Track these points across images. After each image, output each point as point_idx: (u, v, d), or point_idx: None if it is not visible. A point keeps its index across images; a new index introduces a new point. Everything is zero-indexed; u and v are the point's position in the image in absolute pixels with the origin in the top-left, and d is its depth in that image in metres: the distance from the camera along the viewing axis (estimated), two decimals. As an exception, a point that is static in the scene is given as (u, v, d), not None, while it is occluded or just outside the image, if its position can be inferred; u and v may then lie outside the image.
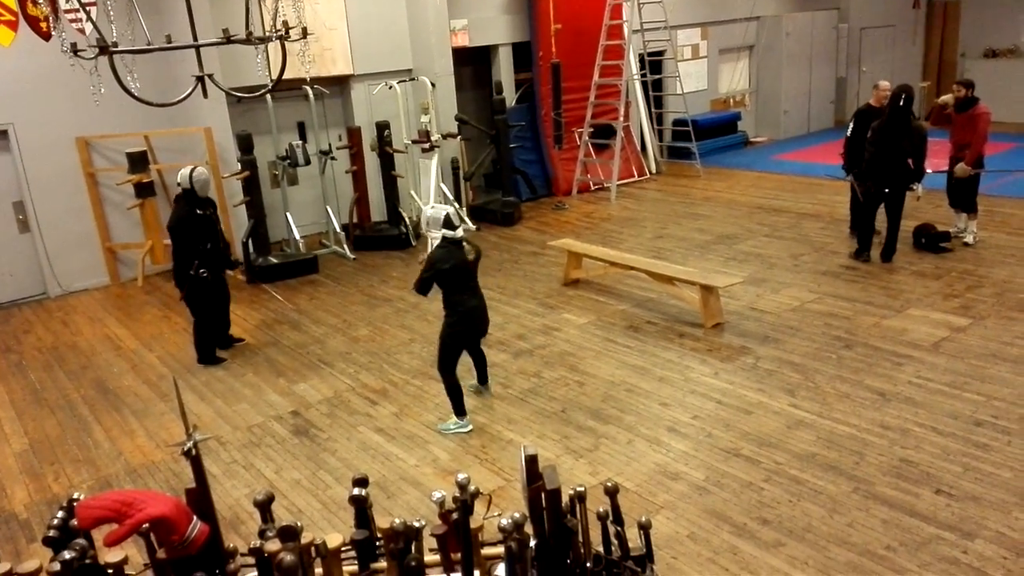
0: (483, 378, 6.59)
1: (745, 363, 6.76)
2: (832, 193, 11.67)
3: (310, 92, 10.27)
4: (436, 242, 5.91)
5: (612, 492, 2.38)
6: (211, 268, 7.29)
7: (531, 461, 2.19)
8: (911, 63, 17.69)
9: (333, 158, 10.88)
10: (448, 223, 5.82)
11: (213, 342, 7.65)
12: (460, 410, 6.06)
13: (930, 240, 9.09)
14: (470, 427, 6.04)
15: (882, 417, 5.71)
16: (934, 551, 4.30)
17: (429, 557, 2.36)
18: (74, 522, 2.29)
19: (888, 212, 8.69)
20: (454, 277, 5.86)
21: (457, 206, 11.72)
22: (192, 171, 7.24)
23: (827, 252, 9.45)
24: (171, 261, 7.53)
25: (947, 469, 5.02)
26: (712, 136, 15.80)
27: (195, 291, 7.32)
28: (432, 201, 11.54)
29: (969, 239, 9.26)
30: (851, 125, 9.38)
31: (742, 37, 16.65)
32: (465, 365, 6.37)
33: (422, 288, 5.94)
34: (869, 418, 5.71)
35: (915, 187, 8.55)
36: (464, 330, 6.07)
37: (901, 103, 8.29)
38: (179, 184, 7.27)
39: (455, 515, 2.23)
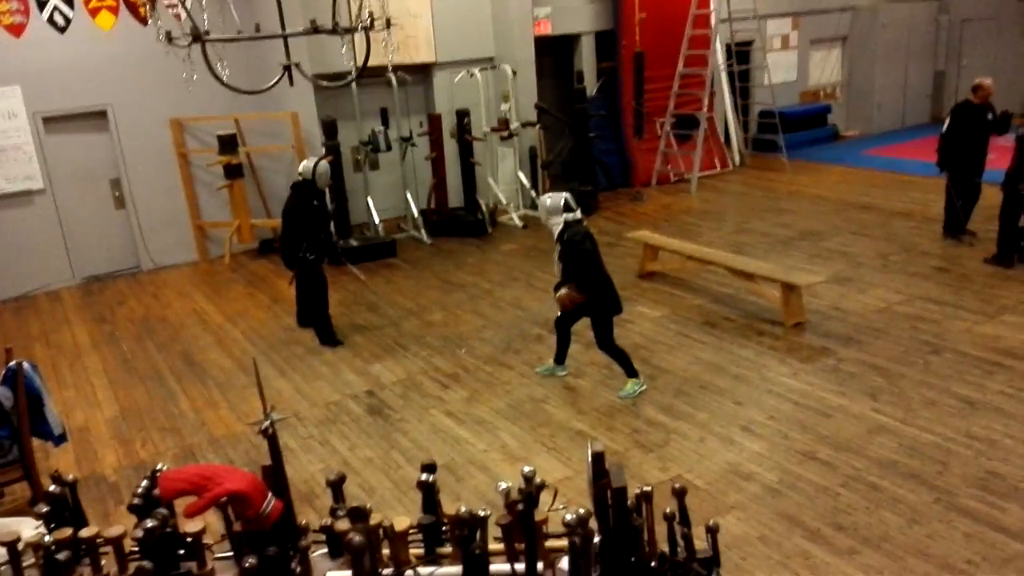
0: (561, 357, 6.69)
1: (826, 364, 6.57)
2: (925, 191, 11.19)
3: (393, 79, 10.40)
4: (558, 228, 5.97)
5: (680, 494, 2.34)
6: (318, 255, 7.45)
7: (598, 458, 2.17)
8: (1016, 58, 16.72)
9: (414, 144, 11.01)
10: (568, 207, 5.96)
11: (330, 323, 7.75)
12: (632, 371, 6.26)
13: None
14: (645, 385, 6.28)
15: (969, 426, 5.47)
16: (1020, 568, 4.10)
17: (493, 545, 2.38)
18: (157, 492, 2.39)
19: None
20: (597, 253, 6.04)
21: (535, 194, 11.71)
22: (316, 164, 7.38)
23: (917, 252, 9.08)
24: (279, 244, 7.69)
25: (1038, 485, 4.79)
26: (800, 129, 15.32)
27: (306, 274, 7.46)
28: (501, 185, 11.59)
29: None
30: (948, 121, 8.97)
31: (835, 28, 16.08)
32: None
33: (595, 278, 6.04)
34: (955, 427, 5.48)
35: None
36: (615, 304, 6.17)
37: None
38: (300, 174, 7.42)
39: (520, 506, 2.23)
